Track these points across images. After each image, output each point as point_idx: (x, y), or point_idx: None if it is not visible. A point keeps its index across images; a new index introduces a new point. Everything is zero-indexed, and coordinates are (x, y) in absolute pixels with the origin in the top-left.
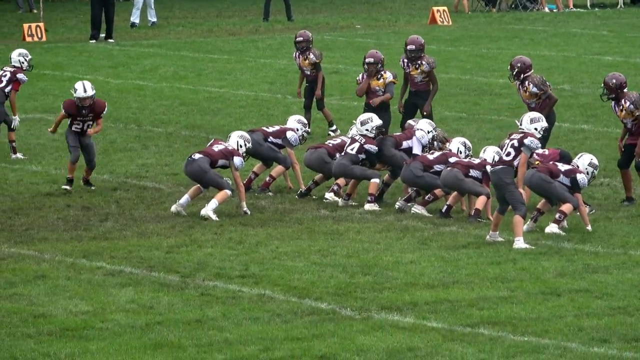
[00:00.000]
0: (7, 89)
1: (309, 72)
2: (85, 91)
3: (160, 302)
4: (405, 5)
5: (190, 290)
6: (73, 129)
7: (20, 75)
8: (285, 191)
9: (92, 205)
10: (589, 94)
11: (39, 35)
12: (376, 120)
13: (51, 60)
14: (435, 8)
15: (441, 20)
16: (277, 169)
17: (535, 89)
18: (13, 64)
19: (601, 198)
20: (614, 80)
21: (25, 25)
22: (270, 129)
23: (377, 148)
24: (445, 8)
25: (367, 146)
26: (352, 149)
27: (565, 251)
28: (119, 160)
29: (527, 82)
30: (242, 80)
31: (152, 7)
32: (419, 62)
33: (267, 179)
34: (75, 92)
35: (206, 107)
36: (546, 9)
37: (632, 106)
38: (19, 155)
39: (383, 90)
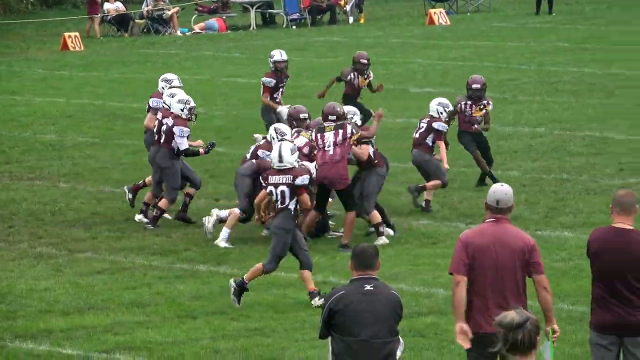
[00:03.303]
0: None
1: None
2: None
3: None
4: (36, 32)
5: None
6: None
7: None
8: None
9: None
10: (223, 116)
11: None
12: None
13: None
14: (66, 34)
15: (73, 45)
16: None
17: None
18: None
19: None
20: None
21: None
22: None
23: None
24: (77, 34)
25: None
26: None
27: (201, 274)
28: None
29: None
30: None
31: None
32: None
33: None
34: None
35: None
36: (178, 33)
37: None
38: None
39: None
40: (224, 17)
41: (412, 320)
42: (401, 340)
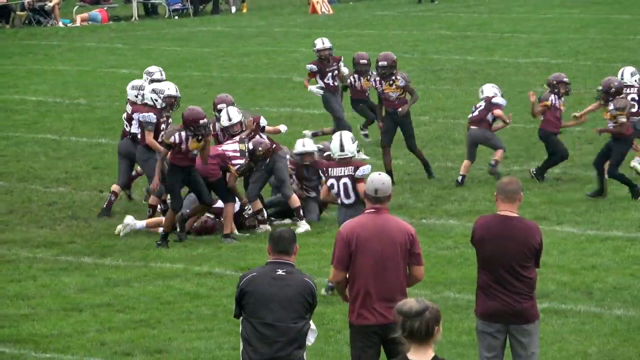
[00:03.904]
0: None
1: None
2: None
3: None
4: None
5: None
6: None
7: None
8: None
9: None
10: (106, 107)
11: None
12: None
13: None
14: None
15: None
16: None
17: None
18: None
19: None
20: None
21: None
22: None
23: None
24: None
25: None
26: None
27: (86, 266)
28: None
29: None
30: None
31: None
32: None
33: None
34: None
35: None
36: (60, 24)
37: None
38: None
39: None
40: (106, 8)
41: None
42: (313, 326)
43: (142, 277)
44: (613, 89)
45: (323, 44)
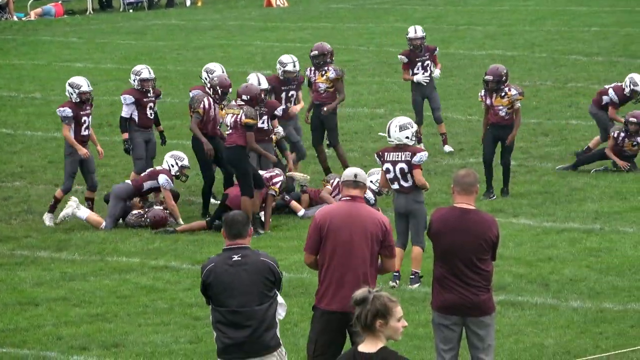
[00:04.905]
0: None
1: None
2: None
3: None
4: None
5: None
6: None
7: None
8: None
9: None
10: (61, 101)
11: None
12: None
13: None
14: None
15: None
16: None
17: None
18: None
19: None
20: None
21: None
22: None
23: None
24: None
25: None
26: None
27: (42, 260)
28: None
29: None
30: None
31: None
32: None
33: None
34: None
35: None
36: (15, 18)
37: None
38: None
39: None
40: (60, 2)
41: None
42: (281, 300)
43: (98, 271)
44: None
45: (415, 32)
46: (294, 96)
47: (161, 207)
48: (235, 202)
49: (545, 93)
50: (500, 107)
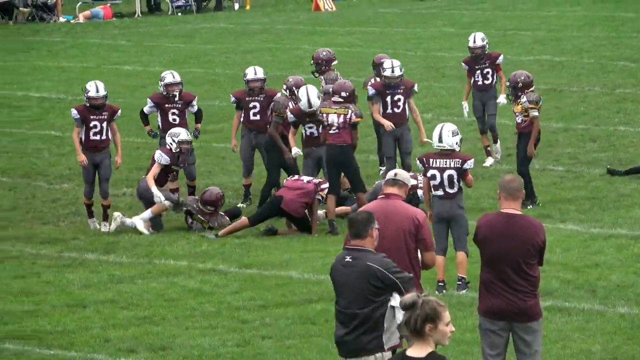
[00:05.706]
0: None
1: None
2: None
3: None
4: None
5: None
6: None
7: None
8: None
9: None
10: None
11: None
12: None
13: None
14: None
15: None
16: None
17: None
18: None
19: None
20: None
21: None
22: None
23: None
24: None
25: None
26: None
27: (90, 262)
28: None
29: None
30: None
31: None
32: None
33: None
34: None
35: None
36: (62, 20)
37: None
38: None
39: None
40: (109, 4)
41: (303, 307)
42: (395, 303)
43: (146, 273)
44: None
45: (474, 42)
46: (400, 100)
47: (222, 213)
48: (291, 206)
49: (594, 99)
50: (517, 114)
